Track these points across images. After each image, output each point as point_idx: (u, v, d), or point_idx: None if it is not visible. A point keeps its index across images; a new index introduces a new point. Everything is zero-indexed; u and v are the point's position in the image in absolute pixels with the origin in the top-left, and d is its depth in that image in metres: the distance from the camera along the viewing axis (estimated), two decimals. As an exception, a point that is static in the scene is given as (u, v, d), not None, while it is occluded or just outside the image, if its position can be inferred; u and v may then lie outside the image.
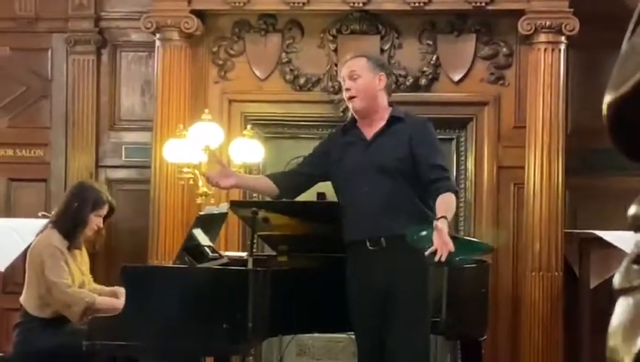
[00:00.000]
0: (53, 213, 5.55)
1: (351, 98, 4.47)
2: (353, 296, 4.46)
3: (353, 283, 4.45)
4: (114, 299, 5.18)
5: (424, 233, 4.23)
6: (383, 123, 4.49)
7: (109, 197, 5.46)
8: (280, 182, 4.63)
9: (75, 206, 5.26)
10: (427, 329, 4.49)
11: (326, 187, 4.74)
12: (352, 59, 4.56)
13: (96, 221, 5.32)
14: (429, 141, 4.47)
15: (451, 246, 4.07)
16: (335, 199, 4.64)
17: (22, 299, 5.24)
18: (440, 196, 4.30)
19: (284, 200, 4.68)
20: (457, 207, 7.13)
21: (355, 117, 4.56)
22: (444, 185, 4.34)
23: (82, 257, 5.38)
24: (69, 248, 5.22)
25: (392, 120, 4.49)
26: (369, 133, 4.50)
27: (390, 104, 4.57)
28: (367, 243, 4.36)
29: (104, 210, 5.35)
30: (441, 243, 4.05)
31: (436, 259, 4.07)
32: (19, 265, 6.56)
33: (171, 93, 7.15)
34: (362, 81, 4.46)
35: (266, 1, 7.21)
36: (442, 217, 4.19)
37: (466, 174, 7.36)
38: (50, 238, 5.19)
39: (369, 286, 4.36)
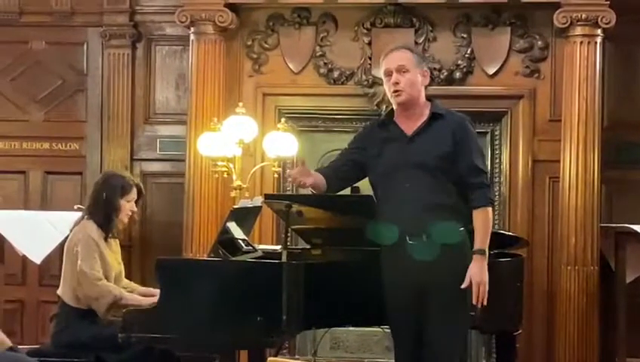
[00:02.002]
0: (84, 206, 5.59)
1: (397, 92, 4.43)
2: (391, 290, 4.43)
3: (391, 278, 4.43)
4: (142, 297, 5.20)
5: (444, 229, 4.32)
6: (422, 118, 4.45)
7: (136, 181, 5.49)
8: (330, 178, 4.60)
9: (105, 195, 5.29)
10: (466, 325, 4.48)
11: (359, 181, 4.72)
12: (397, 52, 4.52)
13: (128, 206, 5.35)
14: (470, 140, 4.45)
15: (484, 288, 4.29)
16: (368, 192, 4.62)
17: (59, 290, 5.27)
18: (475, 213, 4.35)
19: (316, 193, 4.66)
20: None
21: (394, 111, 4.52)
22: (479, 196, 4.36)
23: (117, 247, 5.42)
24: (105, 239, 5.26)
25: (434, 116, 4.46)
26: (408, 128, 4.45)
27: (429, 99, 4.53)
28: (408, 238, 4.34)
29: (133, 194, 5.37)
30: (476, 286, 4.29)
31: (475, 303, 4.30)
32: (55, 258, 6.62)
33: (206, 86, 7.17)
34: (410, 75, 4.42)
35: (300, -6, 7.22)
36: (477, 252, 4.31)
37: (500, 168, 7.32)
38: (87, 229, 5.22)
39: (408, 281, 4.34)
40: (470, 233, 4.41)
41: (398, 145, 4.43)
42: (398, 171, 4.38)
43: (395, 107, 4.51)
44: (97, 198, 5.32)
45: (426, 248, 4.30)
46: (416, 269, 4.31)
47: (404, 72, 4.43)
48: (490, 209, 4.39)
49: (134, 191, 5.38)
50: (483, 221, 4.35)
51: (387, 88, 4.50)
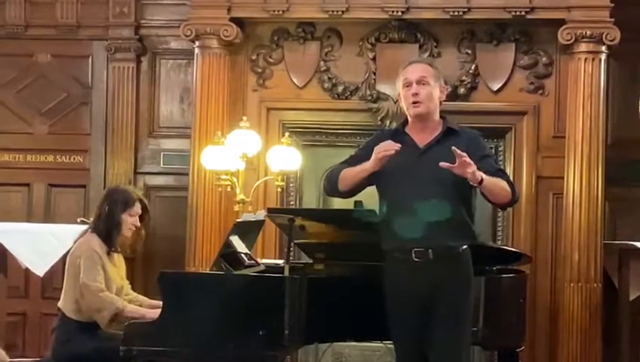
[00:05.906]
0: (91, 219, 5.58)
1: (416, 103, 4.40)
2: (393, 306, 4.39)
3: (393, 293, 4.39)
4: (145, 309, 5.17)
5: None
6: (435, 133, 4.44)
7: (140, 196, 5.47)
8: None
9: (107, 209, 5.29)
10: (468, 342, 4.46)
11: (362, 195, 4.70)
12: (418, 64, 4.53)
13: (131, 221, 5.34)
14: (488, 152, 4.51)
15: (471, 166, 4.13)
16: (371, 207, 4.61)
17: (60, 303, 5.26)
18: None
19: (320, 208, 4.65)
20: (495, 217, 7.21)
21: (407, 122, 4.50)
22: (512, 187, 4.37)
23: (120, 262, 5.41)
24: (108, 252, 5.25)
25: (448, 131, 4.44)
26: (421, 140, 4.43)
27: (441, 116, 4.51)
28: (413, 255, 4.30)
29: (136, 209, 5.36)
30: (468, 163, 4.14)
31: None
32: (57, 270, 6.61)
33: (210, 100, 7.19)
34: (429, 88, 4.42)
35: (305, 10, 7.23)
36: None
37: (504, 184, 7.30)
38: (90, 242, 5.22)
39: (411, 298, 4.30)
40: (474, 249, 4.40)
41: (409, 155, 4.37)
42: (408, 182, 4.32)
43: (409, 118, 4.48)
44: (100, 212, 5.33)
45: (432, 266, 4.27)
46: (421, 287, 4.29)
47: (423, 84, 4.41)
48: (512, 195, 4.36)
49: (137, 206, 5.37)
50: (499, 181, 4.31)
51: (404, 99, 4.46)
